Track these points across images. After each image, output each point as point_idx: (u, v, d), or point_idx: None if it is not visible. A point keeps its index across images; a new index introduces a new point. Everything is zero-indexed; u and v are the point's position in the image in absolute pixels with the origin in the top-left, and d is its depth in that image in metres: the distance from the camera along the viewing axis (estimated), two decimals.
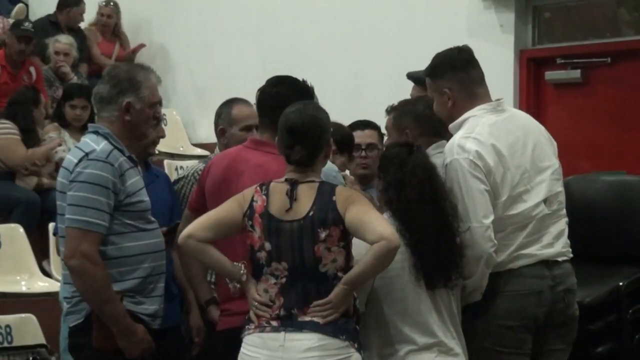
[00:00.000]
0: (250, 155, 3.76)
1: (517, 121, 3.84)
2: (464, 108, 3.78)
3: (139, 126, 3.70)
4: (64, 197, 3.55)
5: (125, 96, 3.65)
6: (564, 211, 3.85)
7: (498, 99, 3.85)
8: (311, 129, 3.38)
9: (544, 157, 3.80)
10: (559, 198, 3.81)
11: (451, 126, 3.81)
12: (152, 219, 3.68)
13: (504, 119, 3.78)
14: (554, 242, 3.75)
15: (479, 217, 3.58)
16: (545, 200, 3.74)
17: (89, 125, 3.78)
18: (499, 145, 3.68)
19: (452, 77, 3.79)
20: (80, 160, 3.53)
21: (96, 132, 3.65)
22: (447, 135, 3.95)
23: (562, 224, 3.82)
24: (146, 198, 3.65)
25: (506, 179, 3.67)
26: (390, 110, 4.12)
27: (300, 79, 3.80)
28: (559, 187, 3.83)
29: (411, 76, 4.53)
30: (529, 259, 3.69)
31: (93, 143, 3.58)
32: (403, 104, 4.14)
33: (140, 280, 3.58)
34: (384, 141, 4.39)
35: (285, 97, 3.63)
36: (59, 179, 3.63)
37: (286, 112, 3.43)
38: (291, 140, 3.37)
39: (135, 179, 3.62)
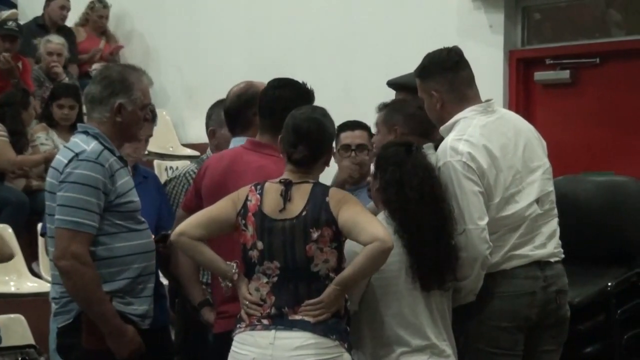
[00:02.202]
0: (249, 157, 3.74)
1: (508, 122, 3.83)
2: (453, 110, 3.77)
3: (130, 127, 3.69)
4: (54, 197, 3.54)
5: (117, 97, 3.64)
6: (555, 211, 3.85)
7: (488, 100, 3.84)
8: (317, 132, 3.40)
9: (534, 157, 3.80)
10: (550, 197, 3.81)
11: (442, 129, 3.80)
12: (142, 219, 3.67)
13: (494, 120, 3.77)
14: (547, 243, 3.75)
15: (474, 219, 3.58)
16: (537, 200, 3.73)
17: (79, 125, 3.77)
18: (491, 147, 3.67)
19: (440, 79, 3.77)
20: (70, 161, 3.52)
21: (86, 132, 3.64)
22: (435, 138, 3.96)
23: (554, 224, 3.82)
24: (136, 198, 3.64)
25: (499, 181, 3.66)
26: (382, 107, 4.12)
27: (301, 82, 3.80)
28: (550, 187, 3.83)
29: (391, 84, 4.50)
30: (522, 259, 3.69)
31: (83, 143, 3.57)
32: (395, 102, 4.14)
33: (130, 280, 3.57)
34: (372, 138, 4.39)
35: (287, 99, 3.63)
36: (48, 179, 3.63)
37: (294, 114, 3.44)
38: (296, 140, 3.39)
39: (125, 179, 3.61)
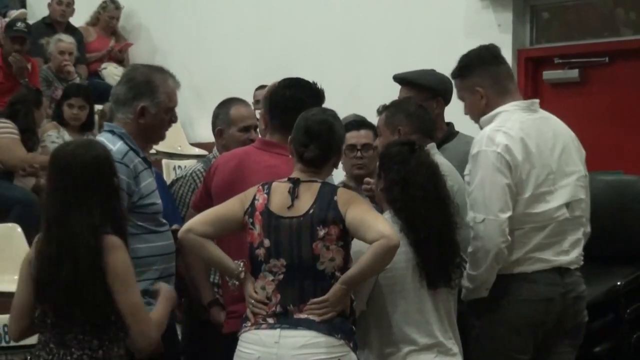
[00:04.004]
0: (260, 156, 3.75)
1: (549, 123, 3.84)
2: (495, 104, 3.79)
3: (154, 130, 3.69)
4: None
5: (141, 100, 3.63)
6: (585, 219, 3.85)
7: (532, 99, 3.86)
8: (328, 133, 3.42)
9: (570, 162, 3.80)
10: (581, 205, 3.81)
11: (482, 119, 3.82)
12: (164, 221, 3.67)
13: (535, 118, 3.79)
14: (570, 250, 3.76)
15: (495, 211, 3.59)
16: (567, 205, 3.74)
17: (105, 124, 3.77)
18: (529, 142, 3.69)
19: (482, 73, 3.81)
20: None
21: (112, 132, 3.63)
22: (437, 137, 3.95)
23: (580, 232, 3.82)
24: (159, 200, 3.64)
25: (531, 176, 3.67)
26: (382, 109, 4.12)
27: (311, 81, 3.80)
28: (583, 195, 3.82)
29: (398, 77, 4.51)
30: (543, 264, 3.69)
31: (109, 143, 3.56)
32: (395, 103, 4.15)
33: (150, 282, 3.55)
34: (374, 142, 4.39)
35: (298, 99, 3.65)
36: None
37: (306, 115, 3.46)
38: (308, 140, 3.40)
39: (148, 181, 3.60)
